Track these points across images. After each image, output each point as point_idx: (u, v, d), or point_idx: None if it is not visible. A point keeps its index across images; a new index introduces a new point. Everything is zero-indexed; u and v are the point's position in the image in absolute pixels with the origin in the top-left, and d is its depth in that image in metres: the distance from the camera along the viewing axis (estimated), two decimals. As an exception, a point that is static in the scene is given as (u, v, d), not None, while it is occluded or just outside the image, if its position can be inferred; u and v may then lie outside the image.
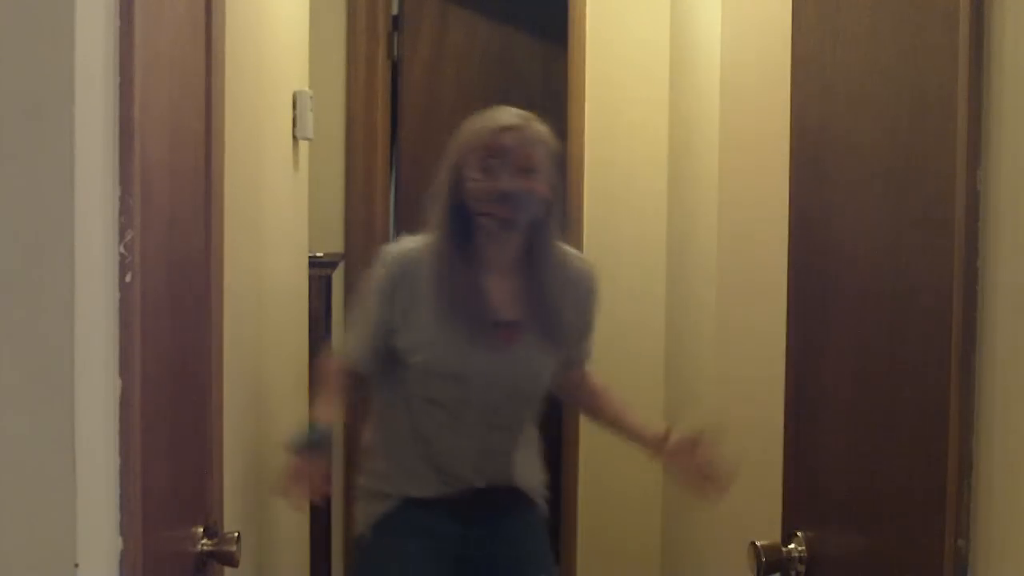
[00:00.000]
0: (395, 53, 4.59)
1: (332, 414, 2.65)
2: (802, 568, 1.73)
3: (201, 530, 1.79)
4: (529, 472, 2.66)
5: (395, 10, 4.63)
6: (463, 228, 2.48)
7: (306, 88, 3.34)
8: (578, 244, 4.11)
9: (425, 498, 2.56)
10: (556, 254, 2.55)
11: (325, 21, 4.11)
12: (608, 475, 4.17)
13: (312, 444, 2.47)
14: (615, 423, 2.75)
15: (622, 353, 4.12)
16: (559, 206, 2.54)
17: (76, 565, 1.24)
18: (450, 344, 2.48)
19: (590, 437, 4.15)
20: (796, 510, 1.80)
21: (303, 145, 3.37)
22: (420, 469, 2.56)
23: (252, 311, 2.52)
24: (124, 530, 1.33)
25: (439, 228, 2.51)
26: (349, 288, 4.41)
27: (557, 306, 2.55)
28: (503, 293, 2.52)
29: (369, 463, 2.67)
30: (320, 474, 2.46)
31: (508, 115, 2.50)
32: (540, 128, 2.50)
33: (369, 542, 2.61)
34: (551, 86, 4.64)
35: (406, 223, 4.67)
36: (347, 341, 2.67)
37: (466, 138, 2.50)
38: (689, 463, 2.53)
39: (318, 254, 3.93)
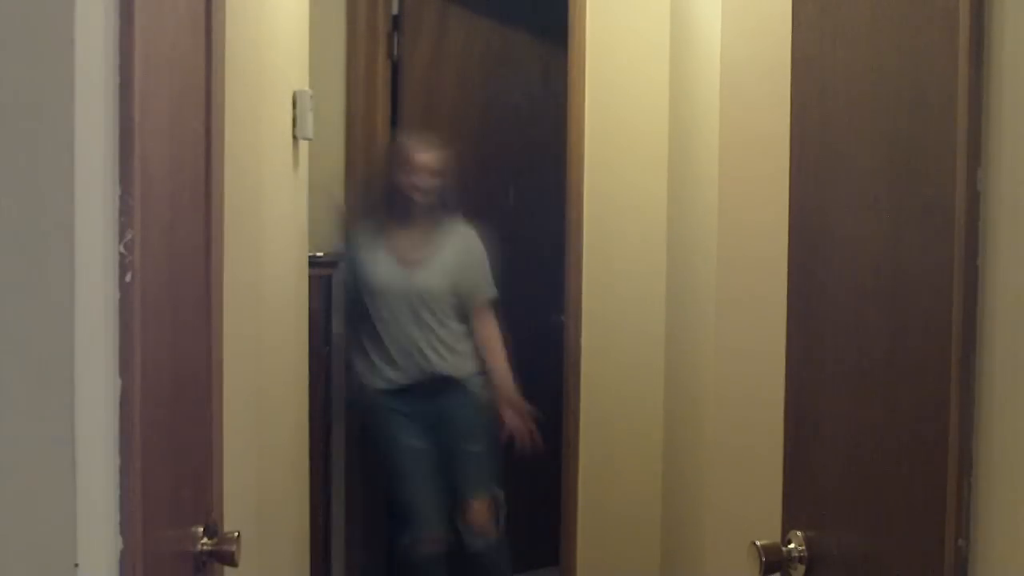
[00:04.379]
0: (395, 53, 4.59)
1: None
2: (802, 568, 1.73)
3: (201, 530, 1.79)
4: (453, 365, 4.11)
5: (395, 10, 4.63)
6: (388, 206, 4.18)
7: (306, 88, 3.34)
8: (578, 244, 4.12)
9: (387, 389, 4.11)
10: (447, 224, 4.16)
11: (325, 21, 4.11)
12: (608, 475, 4.17)
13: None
14: (487, 369, 4.17)
15: (622, 352, 4.13)
16: (452, 199, 4.16)
17: (76, 565, 1.24)
18: (378, 273, 4.12)
19: (590, 438, 4.15)
20: (796, 510, 1.80)
21: (303, 145, 3.37)
22: (378, 366, 4.12)
23: (252, 311, 2.52)
24: (124, 530, 1.33)
25: (373, 210, 4.26)
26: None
27: (440, 252, 4.12)
28: (411, 244, 4.13)
29: (356, 373, 4.20)
30: None
31: (430, 142, 4.22)
32: (445, 153, 4.19)
33: (367, 427, 4.24)
34: (551, 86, 4.64)
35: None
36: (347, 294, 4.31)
37: (405, 149, 4.24)
38: (516, 425, 4.13)
39: (318, 254, 3.94)
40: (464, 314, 4.16)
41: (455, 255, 4.14)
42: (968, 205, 1.32)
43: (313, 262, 3.72)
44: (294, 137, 3.19)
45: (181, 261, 1.68)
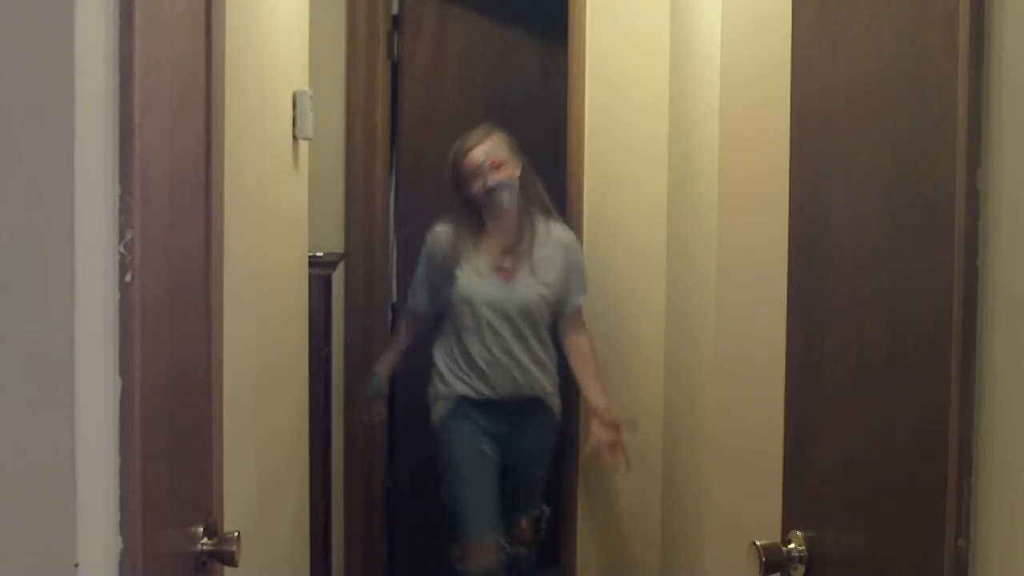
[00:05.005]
0: (395, 53, 4.59)
1: (388, 366, 4.12)
2: (802, 568, 1.73)
3: (201, 530, 1.79)
4: (543, 383, 3.88)
5: (395, 10, 4.62)
6: (471, 213, 3.84)
7: (306, 88, 3.34)
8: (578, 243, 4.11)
9: (471, 397, 3.84)
10: (540, 224, 3.85)
11: (325, 21, 4.11)
12: (608, 475, 4.17)
13: (372, 390, 4.10)
14: (577, 382, 3.95)
15: (622, 353, 4.12)
16: (534, 187, 3.88)
17: (76, 565, 1.24)
18: (469, 282, 3.80)
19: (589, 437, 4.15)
20: (796, 510, 1.80)
21: (303, 145, 3.37)
22: (465, 374, 3.85)
23: (252, 311, 2.52)
24: (124, 530, 1.33)
25: (456, 216, 3.88)
26: (349, 288, 4.42)
27: (539, 260, 3.82)
28: (503, 249, 3.83)
29: (437, 375, 3.91)
30: (378, 408, 4.15)
31: (474, 136, 3.84)
32: (497, 136, 3.83)
33: (439, 429, 3.90)
34: (551, 86, 4.64)
35: (406, 222, 4.68)
36: (415, 295, 4.02)
37: (454, 159, 3.84)
38: (604, 437, 3.83)
39: (318, 254, 3.94)
40: (553, 324, 3.91)
41: (557, 262, 3.84)
42: (968, 205, 1.32)
43: (313, 262, 3.73)
44: (294, 137, 3.19)
45: (181, 261, 1.68)
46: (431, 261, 3.92)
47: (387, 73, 4.50)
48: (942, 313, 1.35)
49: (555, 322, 3.91)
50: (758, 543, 1.75)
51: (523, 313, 3.80)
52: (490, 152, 3.78)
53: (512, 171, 3.79)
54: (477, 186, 3.77)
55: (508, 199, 3.78)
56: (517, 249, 3.81)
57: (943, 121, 1.36)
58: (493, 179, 3.76)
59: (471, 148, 3.80)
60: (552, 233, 3.85)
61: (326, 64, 4.18)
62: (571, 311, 3.90)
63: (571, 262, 3.87)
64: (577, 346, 3.92)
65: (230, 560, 1.81)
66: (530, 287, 3.80)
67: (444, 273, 3.84)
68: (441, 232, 3.91)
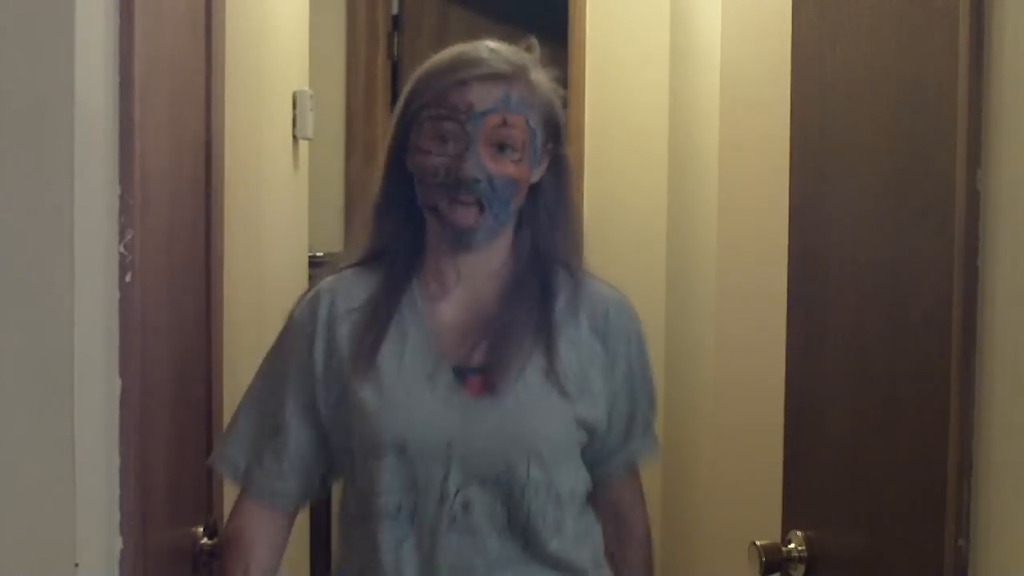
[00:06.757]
0: (395, 53, 4.59)
1: None
2: (802, 568, 1.72)
3: (201, 530, 1.79)
4: None
5: (395, 10, 4.63)
6: (415, 232, 1.64)
7: (306, 88, 3.33)
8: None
9: None
10: (561, 280, 1.72)
11: (325, 21, 4.11)
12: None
13: None
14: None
15: (622, 353, 4.12)
16: (564, 205, 1.79)
17: (76, 565, 1.24)
18: (396, 404, 1.57)
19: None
20: (796, 510, 1.80)
21: (303, 145, 3.37)
22: None
23: (252, 311, 2.52)
24: (124, 530, 1.33)
25: (370, 233, 1.67)
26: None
27: (561, 349, 1.63)
28: (471, 327, 1.62)
29: None
30: None
31: (485, 52, 1.60)
32: (537, 79, 1.64)
33: None
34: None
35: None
36: (253, 460, 1.68)
37: (416, 86, 1.65)
38: None
39: (318, 254, 3.93)
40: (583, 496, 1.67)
41: (598, 357, 1.68)
42: (968, 205, 1.32)
43: (313, 262, 3.72)
44: (294, 137, 3.19)
45: (181, 261, 1.68)
46: (310, 368, 1.64)
47: (387, 73, 4.50)
48: (942, 313, 1.35)
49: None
50: (758, 543, 1.75)
51: (527, 467, 1.57)
52: (508, 100, 1.58)
53: (522, 168, 1.59)
54: (437, 166, 1.59)
55: (491, 226, 1.60)
56: (509, 325, 1.62)
57: (943, 121, 1.36)
58: (479, 168, 1.55)
59: (467, 80, 1.58)
60: (584, 296, 1.74)
61: (326, 64, 4.18)
62: (622, 465, 1.73)
63: (630, 360, 1.73)
64: (628, 538, 1.75)
65: (230, 560, 1.80)
66: (543, 405, 1.60)
67: (342, 389, 1.61)
68: (330, 296, 1.70)
